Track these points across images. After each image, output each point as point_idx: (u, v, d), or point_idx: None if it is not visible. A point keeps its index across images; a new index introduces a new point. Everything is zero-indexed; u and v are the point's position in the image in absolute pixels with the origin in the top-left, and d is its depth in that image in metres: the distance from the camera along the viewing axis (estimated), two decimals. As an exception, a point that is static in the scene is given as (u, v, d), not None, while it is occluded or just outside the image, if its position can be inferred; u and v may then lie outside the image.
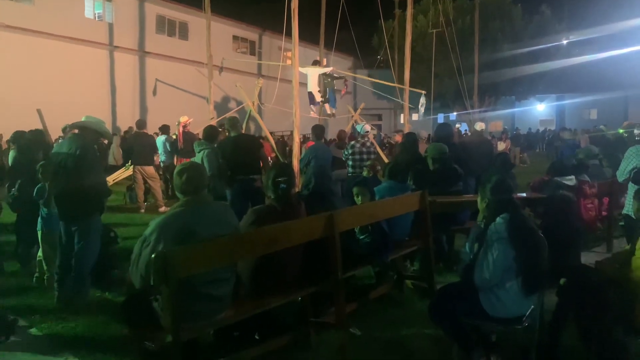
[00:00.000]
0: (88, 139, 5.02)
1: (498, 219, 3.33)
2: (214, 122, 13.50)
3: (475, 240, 3.44)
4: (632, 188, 5.54)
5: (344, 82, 15.66)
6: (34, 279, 5.56)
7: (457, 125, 22.18)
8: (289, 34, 10.46)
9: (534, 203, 5.72)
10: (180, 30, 24.65)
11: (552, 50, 29.87)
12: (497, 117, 35.25)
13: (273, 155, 13.03)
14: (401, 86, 14.98)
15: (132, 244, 3.26)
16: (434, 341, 3.97)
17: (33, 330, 4.31)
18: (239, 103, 20.02)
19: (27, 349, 3.97)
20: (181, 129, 11.30)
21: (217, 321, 3.26)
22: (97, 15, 21.26)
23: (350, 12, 17.50)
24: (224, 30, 25.95)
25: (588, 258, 5.40)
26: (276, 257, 3.59)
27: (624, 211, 5.75)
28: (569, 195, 5.34)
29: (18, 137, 7.01)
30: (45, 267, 5.48)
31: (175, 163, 11.15)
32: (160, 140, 11.55)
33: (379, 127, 28.15)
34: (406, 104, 15.06)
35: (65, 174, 4.80)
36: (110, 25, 21.25)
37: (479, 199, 3.56)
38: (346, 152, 8.31)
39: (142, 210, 10.25)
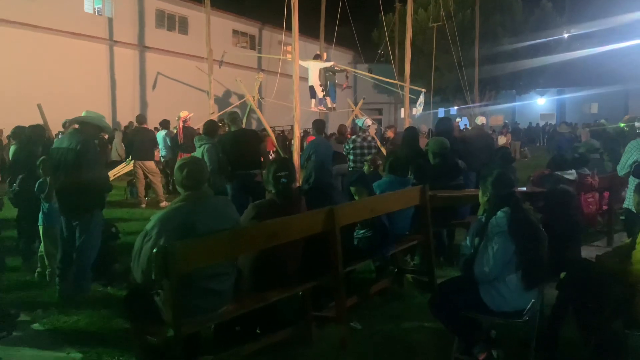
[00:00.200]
0: (89, 134, 5.03)
1: (499, 213, 3.34)
2: (214, 117, 13.50)
3: (475, 235, 3.45)
4: (632, 182, 5.54)
5: (346, 75, 15.63)
6: (36, 274, 5.58)
7: (458, 120, 22.16)
8: (289, 28, 10.42)
9: (534, 197, 5.72)
10: (180, 25, 24.57)
11: (553, 44, 29.77)
12: (497, 111, 35.17)
13: (274, 149, 13.03)
14: (402, 84, 14.95)
15: (133, 239, 3.27)
16: (435, 335, 3.99)
17: (35, 326, 4.32)
18: (240, 97, 19.99)
19: (29, 344, 3.99)
20: (181, 124, 11.29)
21: (218, 315, 3.27)
22: (96, 9, 21.18)
23: (351, 6, 17.42)
24: (224, 24, 25.87)
25: (588, 252, 5.40)
26: (277, 251, 3.60)
27: (625, 205, 5.75)
28: (570, 189, 5.34)
29: (19, 133, 7.01)
30: (46, 262, 5.49)
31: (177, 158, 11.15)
32: (160, 135, 11.55)
33: (379, 122, 28.11)
34: (406, 99, 15.04)
35: (66, 169, 4.81)
36: (110, 20, 21.19)
37: (480, 193, 3.56)
38: (347, 147, 8.31)
39: (143, 205, 10.26)
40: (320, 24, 20.10)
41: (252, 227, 3.55)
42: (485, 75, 26.29)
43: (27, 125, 7.24)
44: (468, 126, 23.06)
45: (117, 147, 16.16)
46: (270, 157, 11.19)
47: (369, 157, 7.27)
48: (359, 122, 8.87)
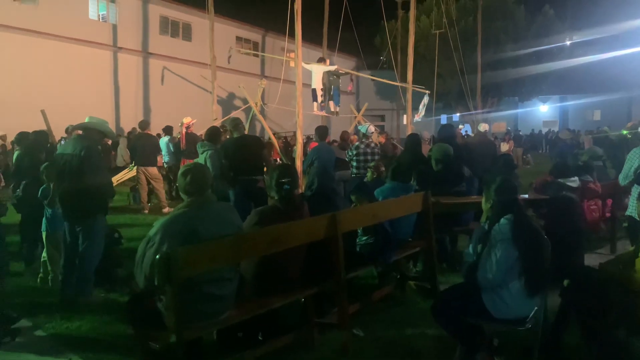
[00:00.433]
0: (92, 140, 5.05)
1: (502, 220, 3.33)
2: (217, 123, 13.54)
3: (478, 241, 3.44)
4: (636, 190, 5.52)
5: (350, 77, 15.63)
6: (39, 279, 5.58)
7: (460, 127, 22.15)
8: (292, 34, 10.47)
9: (537, 204, 5.71)
10: (183, 31, 24.70)
11: (555, 51, 29.80)
12: (500, 118, 35.21)
13: (278, 157, 13.03)
14: (404, 85, 14.97)
15: (136, 245, 3.28)
16: (437, 341, 3.97)
17: (38, 331, 4.31)
18: (244, 103, 20.04)
19: (31, 350, 3.98)
20: (184, 130, 11.32)
21: (221, 321, 3.27)
22: (101, 16, 21.31)
23: (353, 13, 17.50)
24: (228, 31, 25.98)
25: (591, 260, 5.38)
26: (279, 257, 3.60)
27: (627, 213, 5.72)
28: (573, 196, 5.33)
29: (22, 138, 7.04)
30: (49, 268, 5.50)
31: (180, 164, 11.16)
32: (163, 141, 11.58)
33: (381, 128, 28.15)
34: (409, 105, 15.07)
35: (70, 174, 4.82)
36: (114, 26, 21.30)
37: (483, 200, 3.56)
38: (350, 153, 8.33)
39: (146, 211, 10.27)
40: (323, 30, 20.18)
41: (255, 233, 3.55)
42: (487, 81, 26.33)
43: (30, 131, 7.28)
44: (470, 133, 23.07)
45: (123, 153, 16.21)
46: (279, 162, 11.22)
47: (372, 164, 7.28)
48: (362, 129, 8.89)
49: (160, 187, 10.55)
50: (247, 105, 16.80)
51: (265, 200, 6.60)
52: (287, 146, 19.12)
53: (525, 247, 3.27)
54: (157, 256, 2.80)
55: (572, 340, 3.66)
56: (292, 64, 11.72)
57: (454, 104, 30.41)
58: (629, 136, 9.40)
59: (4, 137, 15.79)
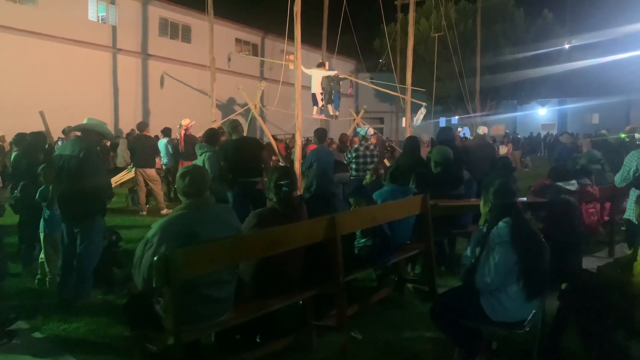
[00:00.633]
0: (91, 141, 5.04)
1: (500, 223, 3.34)
2: (216, 125, 13.53)
3: (477, 244, 3.45)
4: (633, 193, 5.52)
5: (350, 81, 15.66)
6: (36, 280, 5.57)
7: (459, 129, 22.19)
8: (291, 37, 10.48)
9: (535, 207, 5.71)
10: (183, 33, 24.71)
11: (554, 55, 29.86)
12: (499, 121, 35.29)
13: (277, 158, 13.01)
14: (403, 96, 14.99)
15: (134, 246, 3.27)
16: (436, 344, 3.97)
17: (35, 333, 4.30)
18: (243, 105, 20.05)
19: (29, 351, 3.97)
20: (182, 132, 11.31)
21: (219, 323, 3.26)
22: (100, 17, 21.33)
23: (353, 16, 17.51)
24: (227, 33, 26.02)
25: (590, 263, 5.37)
26: (278, 259, 3.60)
27: (625, 216, 5.72)
28: (571, 200, 5.33)
29: (20, 139, 7.03)
30: (47, 269, 5.49)
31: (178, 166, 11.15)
32: (162, 142, 11.57)
33: (380, 131, 28.17)
34: (408, 108, 15.08)
35: (68, 175, 4.82)
36: (114, 28, 21.32)
37: (481, 203, 3.56)
38: (349, 155, 8.33)
39: (144, 213, 10.26)
40: (323, 32, 20.21)
41: (254, 235, 3.55)
42: (486, 85, 26.39)
43: (29, 132, 7.27)
44: (469, 136, 23.11)
45: (123, 154, 16.18)
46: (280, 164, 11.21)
47: (371, 166, 7.29)
48: (362, 131, 8.89)
49: (158, 189, 10.54)
50: (246, 107, 16.81)
51: (264, 202, 6.57)
52: (286, 148, 19.12)
53: (523, 250, 3.27)
54: (155, 258, 2.80)
55: (570, 343, 3.66)
56: (291, 66, 11.73)
57: (453, 106, 30.47)
58: (627, 140, 9.41)
59: (2, 138, 15.76)
